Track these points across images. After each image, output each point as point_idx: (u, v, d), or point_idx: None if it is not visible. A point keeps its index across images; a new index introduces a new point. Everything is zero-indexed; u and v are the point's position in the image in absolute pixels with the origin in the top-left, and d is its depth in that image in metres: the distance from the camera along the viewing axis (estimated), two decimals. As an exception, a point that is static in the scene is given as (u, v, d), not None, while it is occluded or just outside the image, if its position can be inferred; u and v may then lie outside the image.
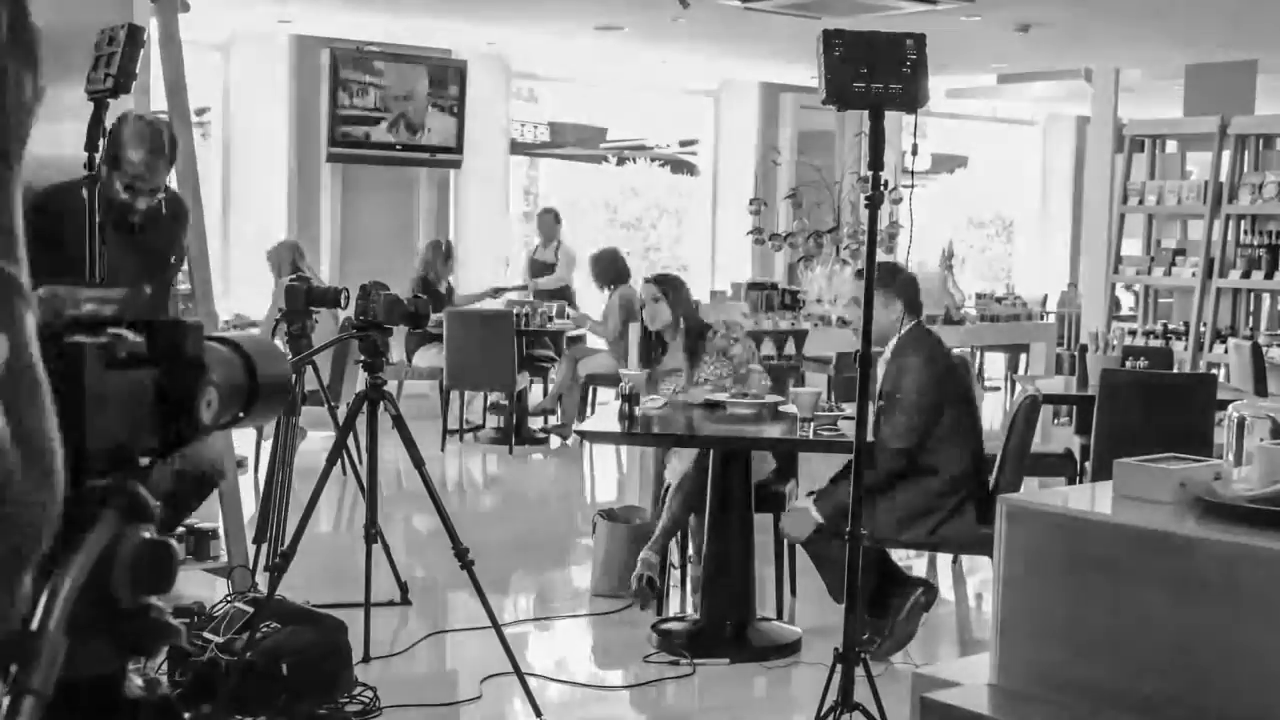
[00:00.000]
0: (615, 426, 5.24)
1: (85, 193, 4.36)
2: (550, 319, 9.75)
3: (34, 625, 0.94)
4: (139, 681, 1.10)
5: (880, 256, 3.94)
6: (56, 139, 4.62)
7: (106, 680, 1.08)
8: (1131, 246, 10.99)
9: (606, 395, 9.20)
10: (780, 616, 5.47)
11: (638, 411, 5.23)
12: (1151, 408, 6.19)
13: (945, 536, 5.03)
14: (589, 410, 9.71)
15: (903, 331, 5.05)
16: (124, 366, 1.04)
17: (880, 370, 5.09)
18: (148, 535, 1.05)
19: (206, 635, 4.19)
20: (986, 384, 12.22)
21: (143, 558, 1.03)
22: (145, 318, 1.06)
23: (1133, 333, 10.17)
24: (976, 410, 5.20)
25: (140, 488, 1.04)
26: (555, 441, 9.74)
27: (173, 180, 4.90)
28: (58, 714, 0.94)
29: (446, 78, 10.85)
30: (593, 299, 10.25)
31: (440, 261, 9.64)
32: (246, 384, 1.16)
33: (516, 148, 13.63)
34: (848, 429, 4.86)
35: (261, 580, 5.04)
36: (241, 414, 1.16)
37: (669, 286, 5.97)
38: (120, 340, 1.04)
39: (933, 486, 4.94)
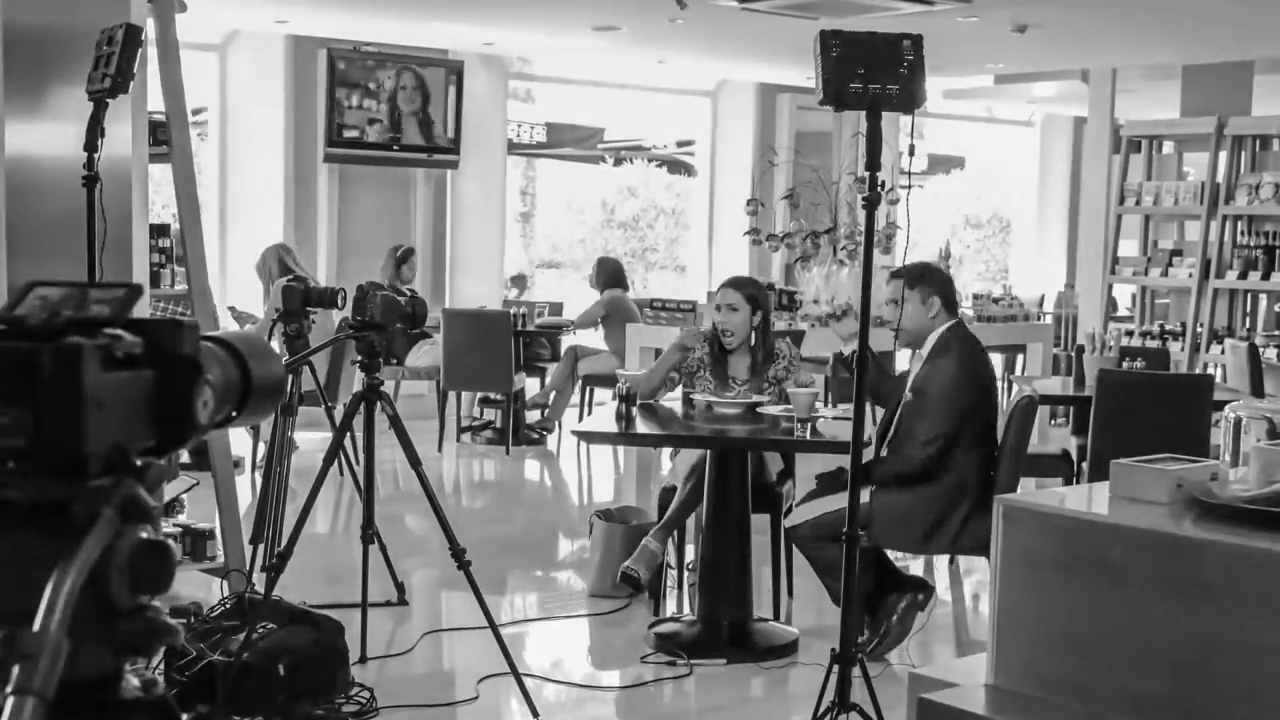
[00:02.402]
0: (612, 427, 5.23)
1: (86, 194, 4.36)
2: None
3: (35, 625, 0.94)
4: (136, 682, 1.10)
5: (877, 257, 3.94)
6: (56, 139, 4.62)
7: (104, 680, 1.07)
8: (1128, 247, 10.99)
9: (604, 395, 9.21)
10: (777, 617, 5.47)
11: (634, 412, 5.22)
12: (1148, 408, 6.18)
13: (965, 545, 4.97)
14: (587, 411, 9.71)
15: (942, 330, 4.97)
16: (122, 367, 1.04)
17: (915, 367, 5.02)
18: (145, 535, 1.05)
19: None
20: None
21: (140, 558, 1.03)
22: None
23: (1130, 333, 10.17)
24: (996, 418, 5.05)
25: (138, 488, 1.04)
26: (551, 441, 9.73)
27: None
28: (55, 714, 0.94)
29: (443, 78, 10.84)
30: (585, 299, 10.28)
31: (394, 267, 9.44)
32: (240, 383, 1.16)
33: (513, 148, 13.62)
34: (842, 430, 4.83)
35: (258, 581, 5.04)
36: (235, 413, 1.16)
37: (757, 291, 5.56)
38: (118, 341, 1.04)
39: (945, 492, 4.88)
